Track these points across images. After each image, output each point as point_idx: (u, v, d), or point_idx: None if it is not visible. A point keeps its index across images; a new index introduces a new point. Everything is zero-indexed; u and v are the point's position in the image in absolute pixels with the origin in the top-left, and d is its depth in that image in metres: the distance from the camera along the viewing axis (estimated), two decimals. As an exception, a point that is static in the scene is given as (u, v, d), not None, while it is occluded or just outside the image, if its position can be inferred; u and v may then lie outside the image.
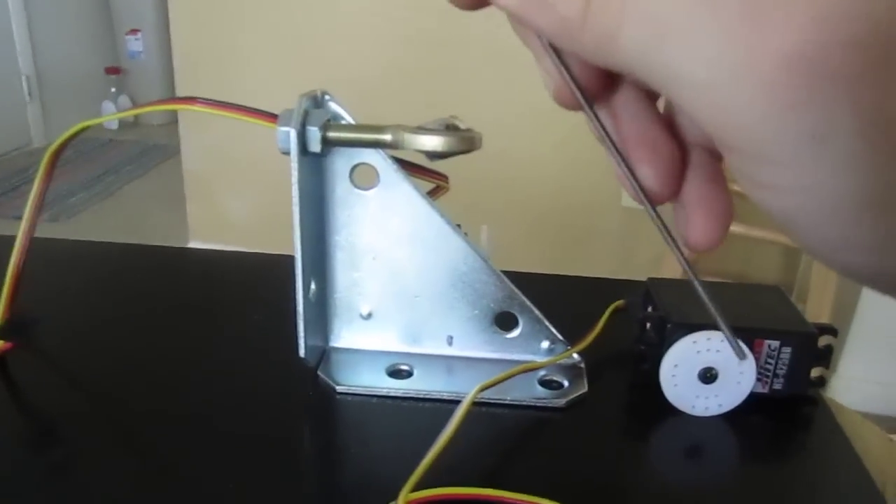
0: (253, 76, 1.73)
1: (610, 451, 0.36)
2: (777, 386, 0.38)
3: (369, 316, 0.41)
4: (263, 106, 0.35)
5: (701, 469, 0.36)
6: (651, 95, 0.21)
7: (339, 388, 0.38)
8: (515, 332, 0.40)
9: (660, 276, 0.43)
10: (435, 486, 0.30)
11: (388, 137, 0.35)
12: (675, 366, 0.37)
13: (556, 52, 0.20)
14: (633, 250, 1.71)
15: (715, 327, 0.36)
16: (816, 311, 1.28)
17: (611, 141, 0.21)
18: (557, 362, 0.40)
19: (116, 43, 3.28)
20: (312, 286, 0.38)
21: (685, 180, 0.21)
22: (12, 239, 0.40)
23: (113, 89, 3.24)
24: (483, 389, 0.35)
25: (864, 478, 0.34)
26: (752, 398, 0.37)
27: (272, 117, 0.35)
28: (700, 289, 0.21)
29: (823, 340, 0.38)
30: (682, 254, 0.21)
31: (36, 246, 0.40)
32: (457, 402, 0.33)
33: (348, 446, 0.36)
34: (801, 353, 0.38)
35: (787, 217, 0.17)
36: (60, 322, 0.44)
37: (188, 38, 1.79)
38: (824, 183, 0.16)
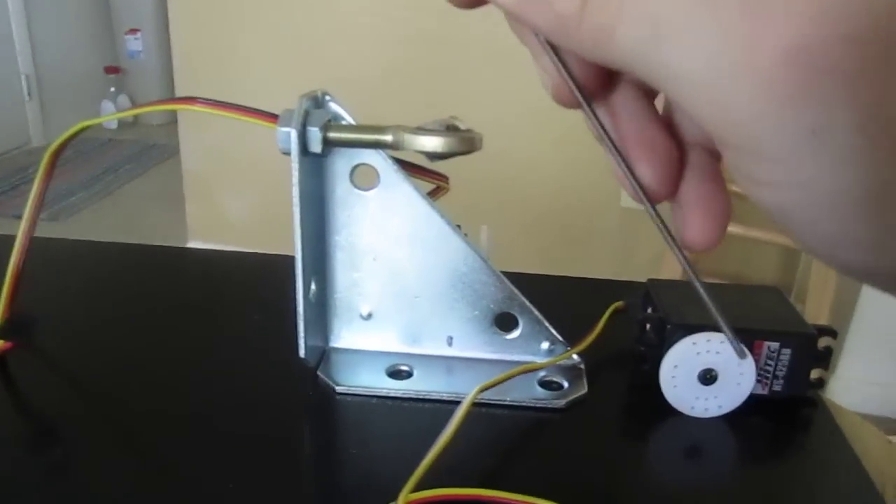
0: (253, 76, 1.73)
1: (610, 452, 0.36)
2: (776, 387, 0.38)
3: (369, 316, 0.41)
4: (263, 106, 0.35)
5: (700, 470, 0.36)
6: (649, 94, 0.21)
7: (338, 389, 0.38)
8: (515, 333, 0.40)
9: (659, 277, 0.43)
10: (435, 487, 0.30)
11: (388, 138, 0.35)
12: (675, 367, 0.37)
13: (554, 49, 0.19)
14: (632, 251, 1.71)
15: (715, 328, 0.36)
16: (815, 312, 1.28)
17: (609, 139, 0.21)
18: (557, 363, 0.40)
19: (116, 42, 3.28)
20: (312, 286, 0.38)
21: (683, 180, 0.21)
22: (12, 238, 0.40)
23: (112, 89, 3.24)
24: (483, 390, 0.35)
25: (863, 479, 0.34)
26: (752, 399, 0.37)
27: (272, 117, 0.35)
28: (700, 288, 0.21)
29: (823, 342, 0.38)
30: (681, 253, 0.21)
31: (35, 245, 0.40)
32: (457, 403, 0.33)
33: (348, 447, 0.36)
34: (800, 354, 0.38)
35: (784, 214, 0.17)
36: (60, 322, 0.44)
37: (188, 37, 1.79)
38: (822, 179, 0.16)
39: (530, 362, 0.40)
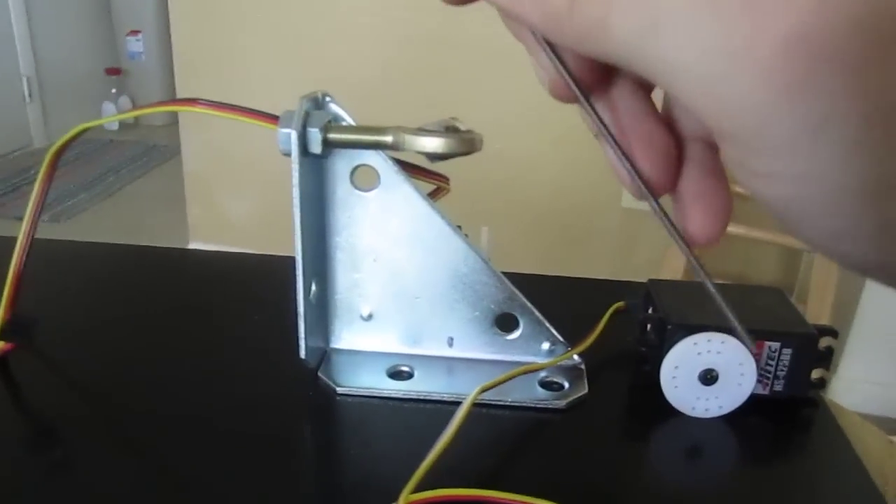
0: (253, 77, 1.73)
1: (610, 453, 0.36)
2: (777, 387, 0.38)
3: (370, 317, 0.41)
4: (264, 107, 0.35)
5: (701, 470, 0.36)
6: (646, 89, 0.21)
7: (339, 390, 0.38)
8: (516, 334, 0.40)
9: (660, 277, 0.43)
10: (436, 488, 0.30)
11: (388, 139, 0.35)
12: (676, 367, 0.37)
13: (549, 44, 0.19)
14: (633, 251, 1.71)
15: (716, 328, 0.36)
16: (817, 312, 1.28)
17: (608, 133, 0.20)
18: (558, 364, 0.40)
19: (117, 44, 3.28)
20: (313, 287, 0.38)
21: (683, 175, 0.20)
22: (13, 240, 0.40)
23: (113, 90, 3.25)
24: (483, 391, 0.35)
25: (864, 479, 0.34)
26: (753, 400, 0.37)
27: (273, 119, 0.35)
28: (705, 278, 0.20)
29: (824, 342, 0.38)
30: (685, 244, 0.20)
31: (37, 247, 0.40)
32: (457, 404, 0.33)
33: (349, 447, 0.36)
34: (801, 354, 0.38)
35: (784, 206, 0.17)
36: (61, 323, 0.44)
37: (188, 39, 1.79)
38: (822, 171, 0.15)
39: (531, 363, 0.40)
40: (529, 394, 0.38)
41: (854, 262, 0.17)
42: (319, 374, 0.39)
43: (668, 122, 0.21)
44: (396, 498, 0.29)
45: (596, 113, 0.20)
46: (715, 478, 0.36)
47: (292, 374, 0.39)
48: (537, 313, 0.40)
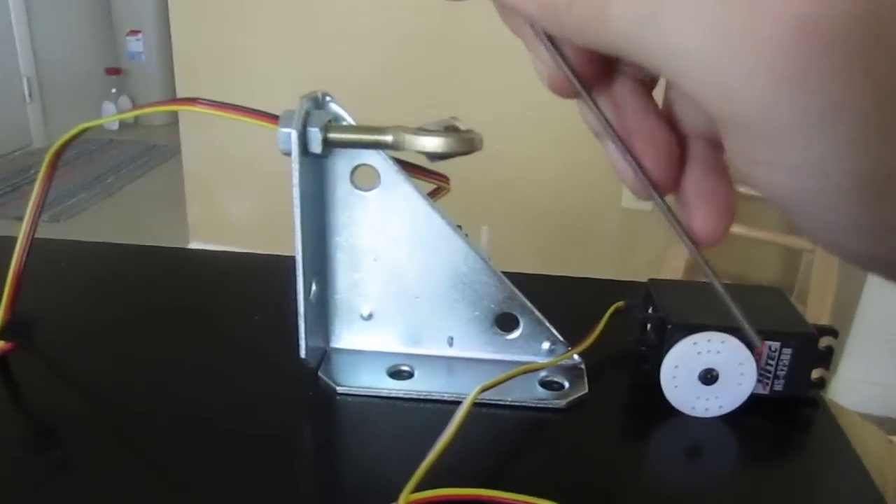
0: (253, 77, 1.73)
1: (610, 452, 0.36)
2: (777, 387, 0.38)
3: (370, 317, 0.41)
4: (263, 106, 0.35)
5: (701, 470, 0.36)
6: (647, 86, 0.21)
7: (339, 389, 0.38)
8: (516, 333, 0.40)
9: (660, 277, 0.43)
10: (436, 487, 0.30)
11: (388, 138, 0.35)
12: (676, 367, 0.37)
13: (549, 37, 0.19)
14: (633, 251, 1.71)
15: (716, 328, 0.36)
16: (817, 312, 1.28)
17: (611, 128, 0.20)
18: (558, 363, 0.40)
19: (117, 44, 3.28)
20: (313, 287, 0.38)
21: (686, 173, 0.20)
22: (13, 240, 0.40)
23: (113, 90, 3.25)
24: (484, 390, 0.35)
25: (864, 479, 0.34)
26: (753, 399, 0.37)
27: (273, 118, 0.35)
28: (713, 278, 0.20)
29: (824, 342, 0.38)
30: (690, 240, 0.20)
31: (37, 246, 0.40)
32: (457, 403, 0.33)
33: (349, 447, 0.36)
34: (801, 354, 0.38)
35: (784, 197, 0.16)
36: (61, 322, 0.44)
37: (188, 38, 1.79)
38: (827, 161, 0.15)
39: (531, 362, 0.40)
40: (529, 393, 0.38)
41: (855, 254, 0.17)
42: (319, 373, 0.39)
43: (669, 120, 0.20)
44: (396, 498, 0.29)
45: (597, 107, 0.20)
46: (715, 478, 0.36)
47: (292, 373, 0.39)
48: (537, 313, 0.40)
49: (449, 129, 0.34)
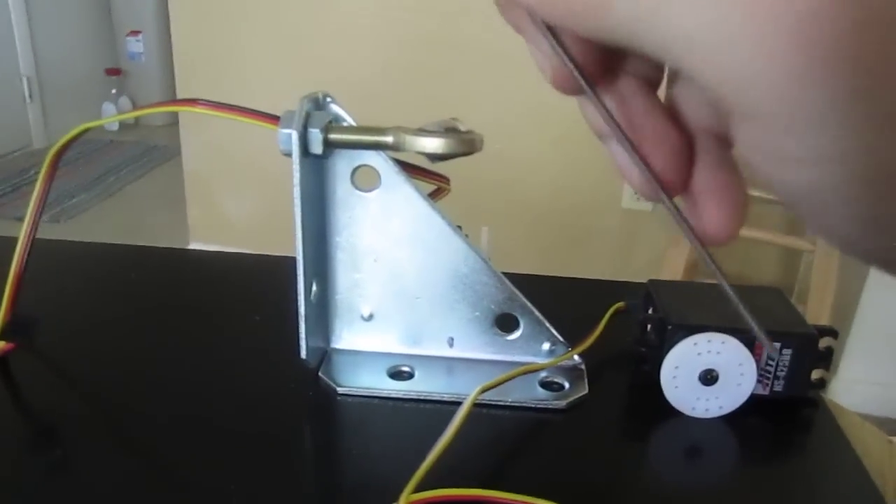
0: (253, 77, 1.74)
1: (610, 453, 0.36)
2: (777, 388, 0.38)
3: (370, 317, 0.41)
4: (263, 107, 0.35)
5: (701, 471, 0.36)
6: (651, 84, 0.20)
7: (340, 390, 0.38)
8: (516, 334, 0.40)
9: (660, 278, 0.43)
10: (436, 488, 0.30)
11: (389, 139, 0.35)
12: (676, 367, 0.37)
13: (550, 29, 0.18)
14: (633, 251, 1.71)
15: (715, 328, 0.36)
16: (816, 312, 1.28)
17: (617, 125, 0.19)
18: (558, 364, 0.40)
19: (117, 44, 3.28)
20: (314, 287, 0.38)
21: (694, 172, 0.19)
22: (14, 240, 0.40)
23: (113, 90, 3.25)
24: (484, 391, 0.35)
25: (864, 480, 0.34)
26: (753, 400, 0.37)
27: (274, 119, 0.35)
28: (722, 279, 0.19)
29: (824, 342, 0.38)
30: (698, 240, 0.19)
31: (37, 247, 0.40)
32: (458, 404, 0.33)
33: (349, 447, 0.36)
34: (801, 354, 0.38)
35: (800, 190, 0.15)
36: (61, 323, 0.44)
37: (189, 39, 1.79)
38: (848, 151, 0.14)
39: (531, 363, 0.40)
40: (530, 394, 0.38)
41: (866, 251, 0.16)
42: (320, 374, 0.39)
43: (674, 118, 0.20)
44: (397, 498, 0.29)
45: (601, 102, 0.19)
46: (715, 478, 0.36)
47: (293, 374, 0.39)
48: (537, 313, 0.40)
49: (449, 130, 0.34)
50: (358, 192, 0.38)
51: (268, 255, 0.52)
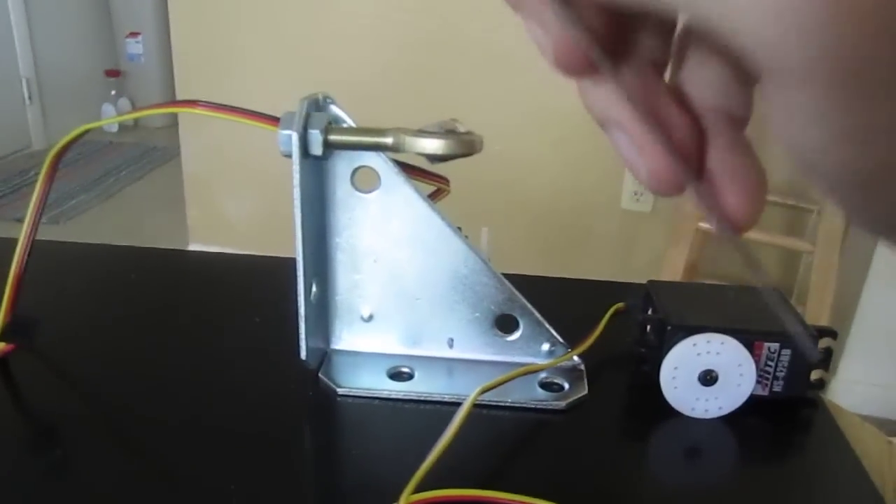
0: (253, 79, 1.74)
1: (610, 453, 0.36)
2: (777, 388, 0.38)
3: (370, 318, 0.41)
4: (263, 108, 0.36)
5: (701, 471, 0.36)
6: (658, 67, 0.19)
7: (339, 391, 0.38)
8: (516, 335, 0.41)
9: (660, 279, 0.43)
10: (436, 488, 0.30)
11: (389, 140, 0.35)
12: (675, 368, 0.37)
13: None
14: (632, 252, 1.71)
15: (715, 329, 0.36)
16: (816, 313, 1.28)
17: (633, 102, 0.17)
18: (558, 364, 0.40)
19: (116, 45, 3.28)
20: (314, 288, 0.38)
21: (709, 156, 0.18)
22: (14, 241, 0.40)
23: (113, 92, 3.25)
24: (484, 392, 0.35)
25: (863, 480, 0.34)
26: (752, 400, 0.37)
27: (274, 120, 0.35)
28: (761, 278, 0.18)
29: (823, 343, 0.38)
30: (729, 224, 0.18)
31: (37, 248, 0.40)
32: (457, 405, 0.33)
33: (349, 448, 0.36)
34: (800, 355, 0.38)
35: (841, 163, 0.13)
36: (61, 324, 0.44)
37: (188, 40, 1.79)
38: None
39: (531, 364, 0.40)
40: (529, 394, 0.38)
41: None
42: (320, 374, 0.39)
43: (680, 100, 0.18)
44: (397, 498, 0.29)
45: (617, 75, 0.17)
46: (714, 478, 0.36)
47: (293, 374, 0.39)
48: (537, 314, 0.40)
49: (449, 132, 0.34)
50: (358, 193, 0.38)
51: (268, 256, 0.52)
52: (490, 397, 0.36)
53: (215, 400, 0.38)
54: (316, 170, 0.37)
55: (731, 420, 0.38)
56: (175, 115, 2.13)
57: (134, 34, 3.22)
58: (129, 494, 0.31)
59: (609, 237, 1.71)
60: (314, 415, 0.38)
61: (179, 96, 1.85)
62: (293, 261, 0.36)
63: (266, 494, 0.31)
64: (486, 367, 0.40)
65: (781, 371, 0.38)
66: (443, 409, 0.37)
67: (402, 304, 0.40)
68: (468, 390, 0.34)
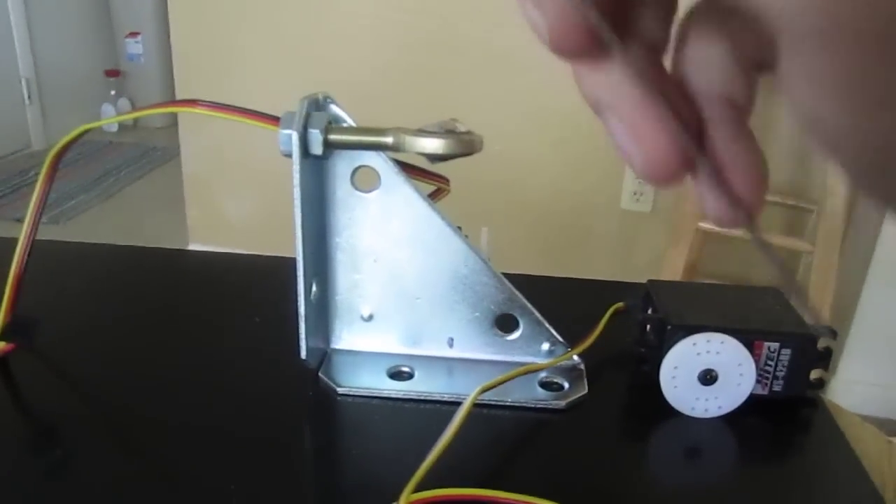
0: (252, 79, 1.74)
1: (610, 453, 0.36)
2: (776, 388, 0.38)
3: (370, 318, 0.41)
4: (263, 108, 0.36)
5: (700, 471, 0.36)
6: (658, 50, 0.18)
7: (340, 390, 0.38)
8: (516, 334, 0.41)
9: (659, 278, 0.43)
10: (436, 488, 0.30)
11: (389, 140, 0.35)
12: (675, 367, 0.37)
13: None
14: (632, 252, 1.71)
15: (714, 328, 0.36)
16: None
17: (640, 79, 0.17)
18: (558, 364, 0.40)
19: (116, 45, 3.28)
20: (314, 288, 0.38)
21: (710, 141, 0.18)
22: (14, 241, 0.40)
23: (112, 92, 3.25)
24: (484, 391, 0.35)
25: (863, 480, 0.34)
26: (752, 400, 0.37)
27: (274, 120, 0.35)
28: (787, 277, 0.18)
29: (823, 342, 0.38)
30: (743, 212, 0.18)
31: (37, 248, 0.40)
32: (457, 404, 0.33)
33: (349, 448, 0.36)
34: (800, 354, 0.38)
35: (860, 138, 0.13)
36: (61, 324, 0.44)
37: (188, 40, 1.79)
38: None
39: (531, 363, 0.40)
40: (529, 394, 0.38)
41: None
42: (320, 374, 0.39)
43: (680, 87, 0.18)
44: (397, 498, 0.29)
45: (623, 49, 0.16)
46: (714, 478, 0.36)
47: (293, 374, 0.39)
48: (537, 314, 0.40)
49: (449, 131, 0.34)
50: (358, 192, 0.38)
51: (267, 256, 0.52)
52: (490, 397, 0.36)
53: (215, 400, 0.38)
54: (316, 169, 0.37)
55: (731, 420, 0.38)
56: (175, 115, 2.13)
57: (134, 34, 3.22)
58: (129, 494, 0.31)
59: (609, 237, 1.71)
60: (314, 414, 0.38)
61: (179, 96, 1.85)
62: (293, 261, 0.36)
63: (266, 494, 0.31)
64: (486, 366, 0.40)
65: (781, 371, 0.38)
66: (443, 408, 0.37)
67: (402, 304, 0.40)
68: (468, 390, 0.34)
